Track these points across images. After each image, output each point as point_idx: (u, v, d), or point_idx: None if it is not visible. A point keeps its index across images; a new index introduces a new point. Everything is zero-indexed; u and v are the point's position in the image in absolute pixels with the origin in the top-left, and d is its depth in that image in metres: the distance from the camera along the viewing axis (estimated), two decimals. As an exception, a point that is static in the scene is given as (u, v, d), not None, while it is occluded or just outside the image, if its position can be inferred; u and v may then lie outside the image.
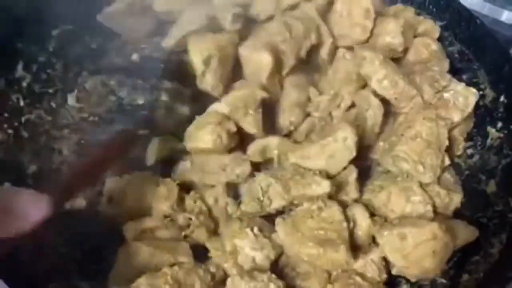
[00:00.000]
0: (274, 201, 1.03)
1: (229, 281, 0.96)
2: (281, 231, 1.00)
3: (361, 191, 1.12)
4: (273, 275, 0.95)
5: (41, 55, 1.21)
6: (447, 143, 1.14)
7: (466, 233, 1.06)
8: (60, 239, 1.02)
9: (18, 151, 1.10)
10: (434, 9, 1.37)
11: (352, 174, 1.09)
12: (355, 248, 1.03)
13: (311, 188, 1.02)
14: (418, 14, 1.39)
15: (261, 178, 1.06)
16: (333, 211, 1.02)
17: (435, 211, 1.08)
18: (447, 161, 1.15)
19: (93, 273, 0.99)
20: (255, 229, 1.02)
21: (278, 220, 1.02)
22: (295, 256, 1.01)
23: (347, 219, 1.02)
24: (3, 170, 1.05)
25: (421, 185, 1.10)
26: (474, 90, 1.19)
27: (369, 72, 1.19)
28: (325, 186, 1.02)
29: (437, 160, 1.12)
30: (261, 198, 1.04)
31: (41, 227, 0.74)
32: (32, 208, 0.73)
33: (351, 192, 1.09)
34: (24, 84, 1.17)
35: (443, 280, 1.03)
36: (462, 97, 1.19)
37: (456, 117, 1.19)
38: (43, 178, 1.10)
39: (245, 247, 1.00)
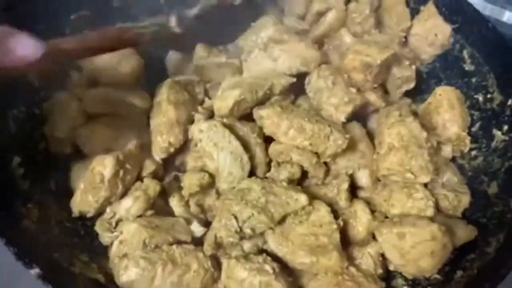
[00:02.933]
0: (258, 229, 0.98)
1: (224, 264, 0.96)
2: (272, 242, 0.98)
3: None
4: (268, 257, 0.96)
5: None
6: (424, 134, 1.08)
7: (465, 232, 1.06)
8: (65, 214, 1.06)
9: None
10: (447, 12, 1.36)
11: (344, 183, 1.08)
12: (352, 244, 1.04)
13: (290, 206, 1.00)
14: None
15: (237, 210, 0.97)
16: (322, 213, 1.00)
17: (437, 209, 1.07)
18: (447, 153, 1.17)
19: (92, 247, 1.03)
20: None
21: (268, 232, 0.99)
22: (290, 263, 0.99)
23: (336, 217, 1.01)
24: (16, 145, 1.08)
25: (426, 185, 1.09)
26: None
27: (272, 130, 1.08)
28: (302, 200, 1.00)
29: (423, 159, 1.06)
30: (238, 230, 0.96)
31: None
32: (22, 46, 0.77)
33: (341, 201, 1.07)
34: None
35: (437, 276, 1.03)
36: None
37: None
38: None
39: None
